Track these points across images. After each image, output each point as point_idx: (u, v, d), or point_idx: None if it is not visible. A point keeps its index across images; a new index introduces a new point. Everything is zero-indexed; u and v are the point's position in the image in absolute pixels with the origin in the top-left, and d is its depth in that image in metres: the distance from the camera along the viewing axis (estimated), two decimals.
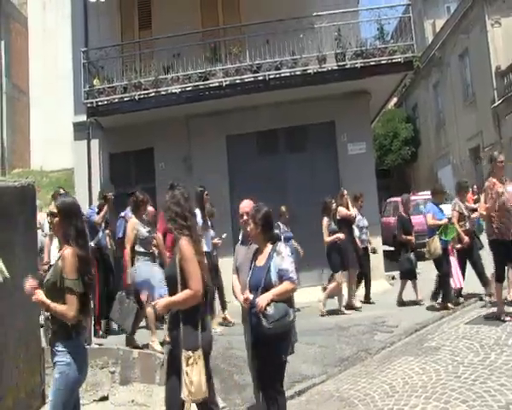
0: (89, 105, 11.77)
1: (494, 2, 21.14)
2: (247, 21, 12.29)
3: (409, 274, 8.83)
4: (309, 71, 11.61)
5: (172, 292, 3.60)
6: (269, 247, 4.09)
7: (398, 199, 10.91)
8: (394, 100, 26.04)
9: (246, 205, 4.71)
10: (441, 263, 8.12)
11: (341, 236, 8.68)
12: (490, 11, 21.26)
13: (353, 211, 9.32)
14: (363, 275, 9.63)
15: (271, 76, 11.56)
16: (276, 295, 3.86)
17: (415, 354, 5.95)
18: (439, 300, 8.29)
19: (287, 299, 3.96)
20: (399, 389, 4.97)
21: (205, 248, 5.94)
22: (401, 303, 8.88)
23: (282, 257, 3.98)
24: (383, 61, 11.64)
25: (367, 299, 9.54)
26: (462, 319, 7.20)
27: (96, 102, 11.71)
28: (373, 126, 17.41)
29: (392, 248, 12.11)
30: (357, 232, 9.44)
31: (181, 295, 3.50)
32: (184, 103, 11.64)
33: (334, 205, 8.96)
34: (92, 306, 5.86)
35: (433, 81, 28.43)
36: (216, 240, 8.35)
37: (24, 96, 23.17)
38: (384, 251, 11.91)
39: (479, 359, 5.44)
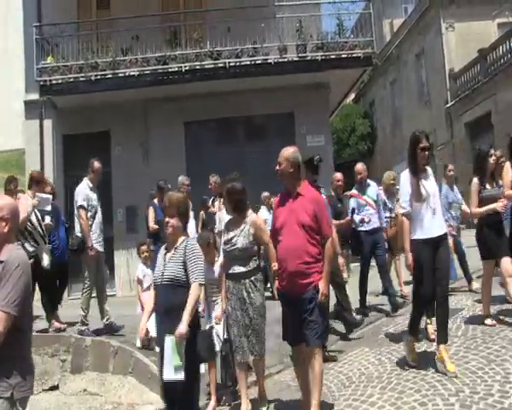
0: (42, 83, 11.30)
1: (449, 6, 21.73)
2: (209, 7, 12.10)
3: None
4: (269, 61, 11.58)
5: None
6: None
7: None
8: (352, 95, 26.38)
9: None
10: None
11: (499, 205, 5.64)
12: (445, 15, 21.85)
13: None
14: None
15: (232, 63, 11.46)
16: None
17: (370, 346, 6.00)
18: None
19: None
20: (356, 380, 4.99)
21: None
22: None
23: None
24: (344, 55, 11.78)
25: None
26: None
27: (50, 80, 11.25)
28: (331, 120, 17.56)
29: None
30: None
31: None
32: (142, 87, 11.37)
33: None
34: None
35: (390, 79, 28.95)
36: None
37: None
38: None
39: (431, 350, 5.54)
